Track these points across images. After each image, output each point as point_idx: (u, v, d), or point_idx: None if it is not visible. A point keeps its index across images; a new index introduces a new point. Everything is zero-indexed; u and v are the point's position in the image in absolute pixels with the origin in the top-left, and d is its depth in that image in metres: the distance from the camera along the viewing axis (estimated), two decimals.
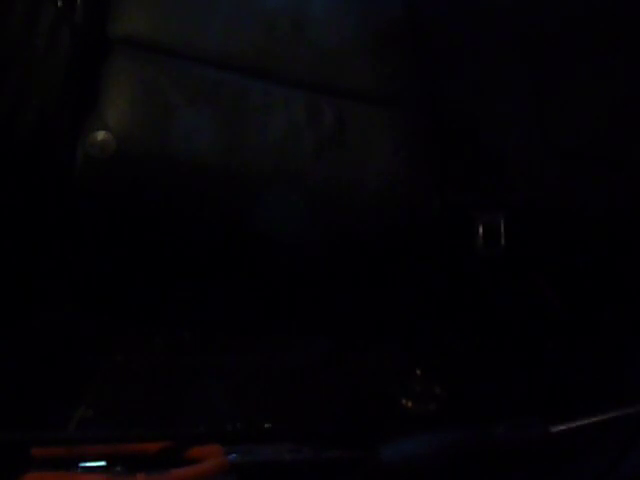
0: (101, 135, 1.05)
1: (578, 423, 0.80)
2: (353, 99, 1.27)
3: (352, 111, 1.26)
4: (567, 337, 1.24)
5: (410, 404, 1.20)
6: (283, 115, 1.20)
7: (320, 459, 0.75)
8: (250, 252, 1.18)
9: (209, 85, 1.18)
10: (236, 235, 1.18)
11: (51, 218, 1.08)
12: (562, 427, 0.80)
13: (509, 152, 1.27)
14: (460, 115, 1.33)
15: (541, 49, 1.23)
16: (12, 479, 0.66)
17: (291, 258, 1.18)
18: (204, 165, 1.12)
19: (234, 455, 0.72)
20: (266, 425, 0.82)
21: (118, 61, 1.13)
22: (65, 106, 1.10)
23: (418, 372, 1.26)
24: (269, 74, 1.23)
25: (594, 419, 0.81)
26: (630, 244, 1.19)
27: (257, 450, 0.75)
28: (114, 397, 1.07)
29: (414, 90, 1.35)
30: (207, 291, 1.21)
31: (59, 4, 1.10)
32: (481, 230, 1.22)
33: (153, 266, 1.16)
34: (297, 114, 1.21)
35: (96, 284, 1.18)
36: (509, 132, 1.27)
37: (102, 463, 0.72)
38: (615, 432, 0.89)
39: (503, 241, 1.21)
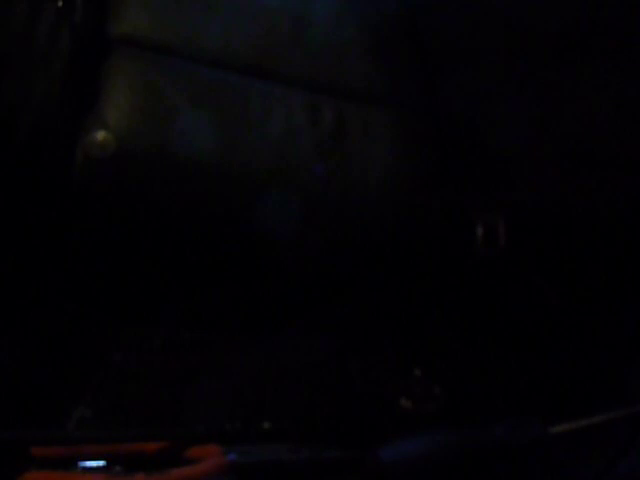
0: (101, 135, 1.05)
1: (578, 423, 0.79)
2: (353, 99, 1.27)
3: (352, 111, 1.26)
4: (567, 337, 1.23)
5: (409, 404, 1.20)
6: (283, 115, 1.20)
7: (319, 459, 0.75)
8: (250, 252, 1.18)
9: (209, 85, 1.18)
10: (236, 235, 1.18)
11: (51, 218, 1.08)
12: (562, 427, 0.79)
13: (509, 152, 1.27)
14: (460, 115, 1.33)
15: (541, 49, 1.22)
16: (12, 479, 0.66)
17: (291, 258, 1.18)
18: (204, 165, 1.12)
19: (233, 455, 0.72)
20: (265, 425, 0.82)
21: (118, 61, 1.14)
22: (65, 106, 1.10)
23: (417, 372, 1.25)
24: (269, 74, 1.23)
25: (594, 419, 0.80)
26: (630, 244, 1.19)
27: (256, 450, 0.74)
28: (113, 397, 1.07)
29: (414, 90, 1.35)
30: (207, 291, 1.20)
31: (59, 4, 1.11)
32: (481, 230, 1.22)
33: (153, 266, 1.16)
34: (297, 114, 1.21)
35: (96, 284, 1.17)
36: (509, 132, 1.27)
37: (101, 463, 0.72)
38: (615, 432, 0.89)
39: (503, 241, 1.21)
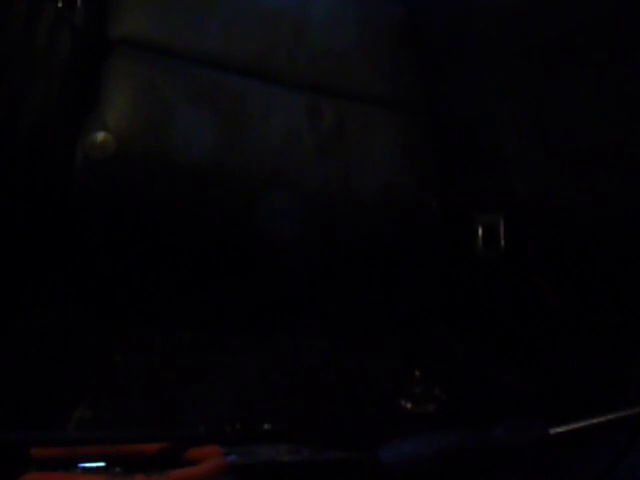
0: (101, 136, 1.05)
1: (578, 425, 0.79)
2: (353, 100, 1.28)
3: (352, 112, 1.26)
4: (567, 337, 1.23)
5: (409, 405, 1.20)
6: (283, 116, 1.20)
7: (319, 460, 0.75)
8: (250, 253, 1.18)
9: (209, 86, 1.18)
10: (236, 236, 1.18)
11: (51, 219, 1.08)
12: (562, 428, 0.79)
13: (509, 153, 1.27)
14: (460, 116, 1.33)
15: (541, 50, 1.22)
16: (11, 479, 0.66)
17: (291, 259, 1.17)
18: (204, 166, 1.12)
19: (233, 456, 0.72)
20: (265, 426, 0.82)
21: (118, 62, 1.13)
22: (65, 106, 1.10)
23: (417, 373, 1.25)
24: (269, 75, 1.23)
25: (594, 421, 0.80)
26: (629, 244, 1.19)
27: (256, 451, 0.74)
28: (113, 397, 1.07)
29: (414, 91, 1.35)
30: (207, 291, 1.20)
31: (59, 4, 1.10)
32: (480, 231, 1.22)
33: (153, 267, 1.16)
34: (297, 115, 1.21)
35: (96, 284, 1.18)
36: (509, 133, 1.27)
37: (101, 464, 0.72)
38: (615, 433, 0.89)
39: (502, 242, 1.21)
